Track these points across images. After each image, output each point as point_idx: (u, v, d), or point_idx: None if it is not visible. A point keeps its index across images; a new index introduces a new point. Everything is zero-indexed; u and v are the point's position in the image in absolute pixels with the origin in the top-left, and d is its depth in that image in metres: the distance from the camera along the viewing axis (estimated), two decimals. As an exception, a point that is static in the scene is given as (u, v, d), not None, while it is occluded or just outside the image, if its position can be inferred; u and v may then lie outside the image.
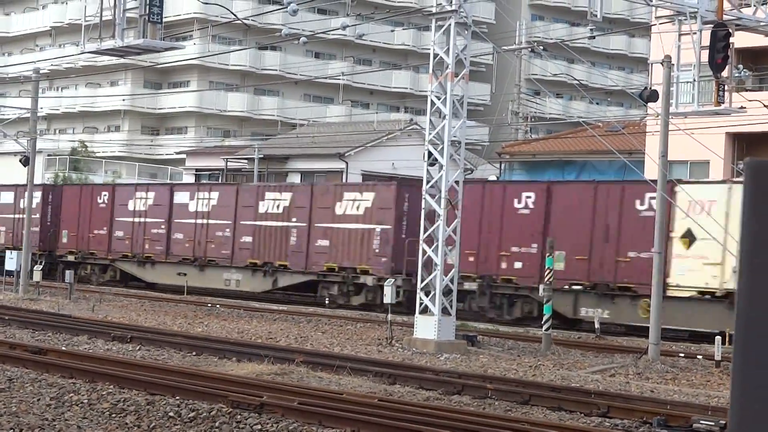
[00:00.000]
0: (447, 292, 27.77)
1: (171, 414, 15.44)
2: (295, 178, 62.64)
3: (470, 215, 35.95)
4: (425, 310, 27.72)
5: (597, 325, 33.83)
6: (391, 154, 61.90)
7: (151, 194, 50.44)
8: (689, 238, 32.55)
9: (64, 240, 53.07)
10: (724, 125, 37.26)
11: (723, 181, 34.15)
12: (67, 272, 42.64)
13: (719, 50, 24.97)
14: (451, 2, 27.48)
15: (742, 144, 44.56)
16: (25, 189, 50.64)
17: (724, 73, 25.64)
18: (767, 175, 2.79)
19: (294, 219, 43.79)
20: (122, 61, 75.11)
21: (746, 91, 36.41)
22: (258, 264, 44.92)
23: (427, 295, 27.65)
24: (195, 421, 15.08)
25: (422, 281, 27.90)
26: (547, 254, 29.67)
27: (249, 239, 45.35)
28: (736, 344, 3.11)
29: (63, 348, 23.77)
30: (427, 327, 27.39)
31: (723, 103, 25.89)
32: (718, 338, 26.41)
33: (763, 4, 27.29)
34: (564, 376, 22.96)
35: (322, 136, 67.01)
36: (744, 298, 2.93)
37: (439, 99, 27.90)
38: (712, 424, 16.31)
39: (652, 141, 37.64)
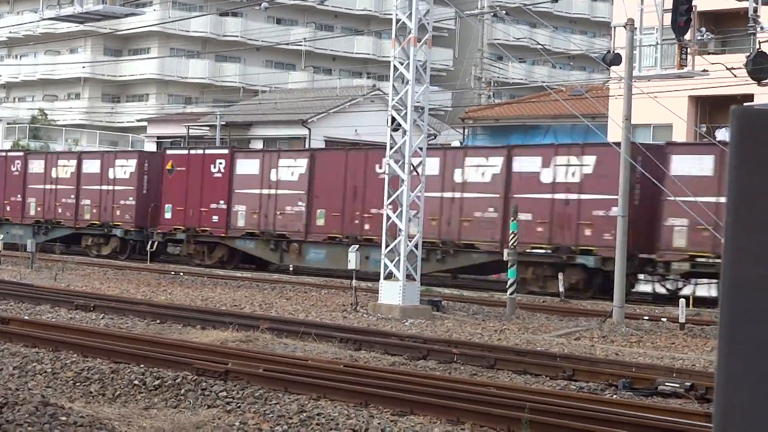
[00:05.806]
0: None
1: (136, 382, 15.33)
2: (258, 145, 62.35)
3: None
4: (390, 276, 27.68)
5: (561, 289, 33.91)
6: (353, 120, 61.69)
7: None
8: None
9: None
10: (687, 88, 37.29)
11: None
12: (29, 241, 42.25)
13: (682, 13, 24.98)
14: (413, -34, 27.28)
15: (705, 107, 44.67)
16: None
17: (687, 36, 25.65)
18: (754, 123, 2.69)
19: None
20: (82, 27, 74.18)
21: (709, 54, 36.46)
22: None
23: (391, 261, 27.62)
24: (160, 389, 14.98)
25: (386, 247, 27.84)
26: (512, 219, 29.66)
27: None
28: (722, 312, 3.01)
29: (26, 317, 23.55)
30: (391, 292, 27.36)
31: (686, 66, 25.93)
32: (682, 300, 26.51)
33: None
34: (529, 339, 23.00)
35: (285, 103, 66.66)
36: (729, 258, 2.84)
37: (402, 64, 27.75)
38: (677, 385, 16.36)
39: (615, 104, 37.60)
